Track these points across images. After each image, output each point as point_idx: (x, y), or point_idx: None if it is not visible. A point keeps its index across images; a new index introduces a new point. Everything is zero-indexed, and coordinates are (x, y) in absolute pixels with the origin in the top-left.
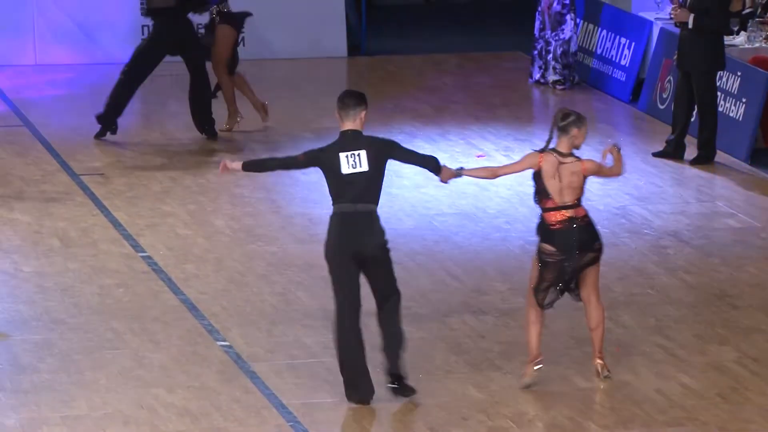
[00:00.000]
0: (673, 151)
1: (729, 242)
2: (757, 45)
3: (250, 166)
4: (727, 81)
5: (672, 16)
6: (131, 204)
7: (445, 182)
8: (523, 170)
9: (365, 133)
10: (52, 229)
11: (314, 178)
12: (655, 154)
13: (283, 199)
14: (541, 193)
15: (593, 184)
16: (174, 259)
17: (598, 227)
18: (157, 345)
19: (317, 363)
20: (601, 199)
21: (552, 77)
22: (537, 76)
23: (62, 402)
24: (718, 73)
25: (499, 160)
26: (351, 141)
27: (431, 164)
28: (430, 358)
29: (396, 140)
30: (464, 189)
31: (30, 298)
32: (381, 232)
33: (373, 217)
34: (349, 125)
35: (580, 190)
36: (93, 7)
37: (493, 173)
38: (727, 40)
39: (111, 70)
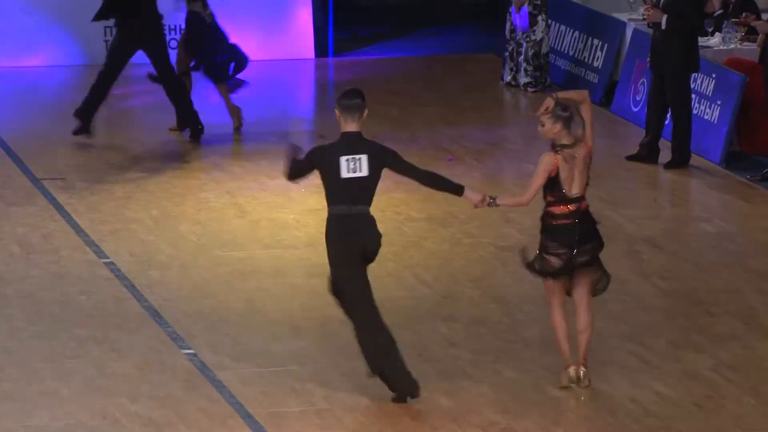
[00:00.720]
0: (646, 155)
1: (704, 247)
2: (732, 46)
3: (291, 174)
4: (702, 83)
5: (645, 17)
6: (94, 209)
7: (477, 208)
8: (546, 181)
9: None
10: (12, 234)
11: (281, 182)
12: (629, 158)
13: (249, 204)
14: (552, 187)
15: None
16: (137, 266)
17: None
18: (121, 353)
19: (284, 371)
20: None
21: (523, 79)
22: (508, 78)
23: (24, 412)
24: (692, 75)
25: (469, 163)
26: (353, 144)
27: (436, 183)
28: None
29: (396, 151)
30: (434, 193)
31: None
32: (378, 233)
33: (369, 219)
34: (351, 127)
35: (587, 180)
36: (52, 8)
37: (518, 203)
38: (702, 41)
39: (72, 73)
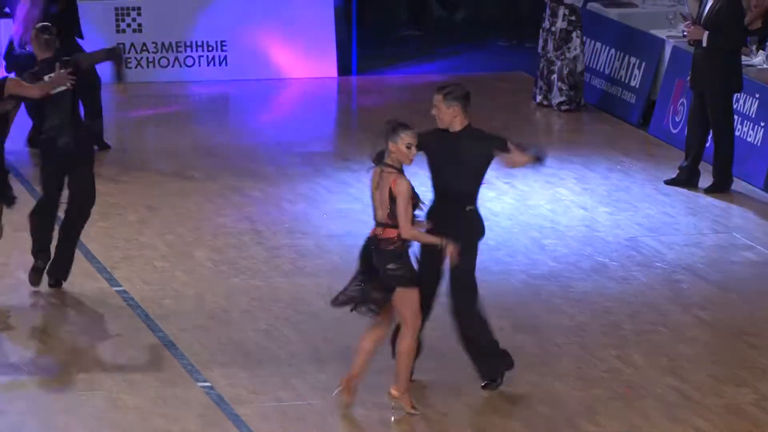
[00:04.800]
0: (686, 179)
1: (747, 276)
2: None
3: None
4: (745, 103)
5: (685, 34)
6: (106, 235)
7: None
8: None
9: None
10: (20, 261)
11: (300, 207)
12: (668, 182)
13: (268, 229)
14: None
15: (600, 213)
16: (151, 294)
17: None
18: (134, 386)
19: (305, 405)
20: (610, 230)
21: (557, 99)
22: (539, 98)
23: None
24: (735, 94)
25: (500, 188)
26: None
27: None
28: (427, 400)
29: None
30: None
31: None
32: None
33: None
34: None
35: (390, 209)
36: None
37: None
38: (745, 59)
39: None
